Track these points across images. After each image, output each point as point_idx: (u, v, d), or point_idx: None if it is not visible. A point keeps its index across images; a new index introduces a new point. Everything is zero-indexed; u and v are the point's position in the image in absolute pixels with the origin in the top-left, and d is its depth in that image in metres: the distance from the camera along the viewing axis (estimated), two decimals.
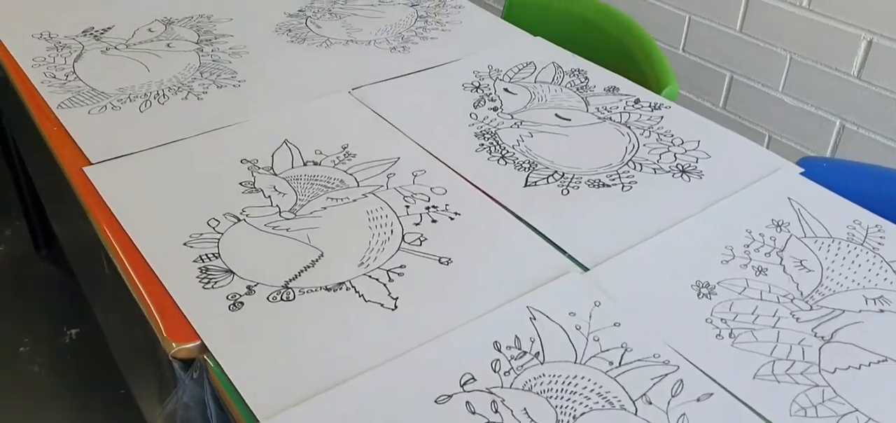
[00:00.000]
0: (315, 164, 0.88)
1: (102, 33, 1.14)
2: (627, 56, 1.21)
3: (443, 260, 0.74)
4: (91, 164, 0.86)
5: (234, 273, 0.72)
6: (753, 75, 1.72)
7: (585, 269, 0.74)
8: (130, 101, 0.98)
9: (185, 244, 0.75)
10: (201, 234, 0.77)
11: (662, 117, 0.99)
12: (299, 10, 1.25)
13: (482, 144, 0.92)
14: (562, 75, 1.08)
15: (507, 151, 0.91)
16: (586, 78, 1.07)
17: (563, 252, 0.76)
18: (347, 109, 0.99)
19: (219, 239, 0.76)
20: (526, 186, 0.85)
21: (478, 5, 1.29)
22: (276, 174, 0.86)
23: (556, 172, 0.88)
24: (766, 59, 1.69)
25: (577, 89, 1.05)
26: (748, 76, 1.72)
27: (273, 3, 1.27)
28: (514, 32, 1.20)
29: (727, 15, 1.74)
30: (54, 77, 1.03)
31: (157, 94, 1.00)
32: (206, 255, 0.74)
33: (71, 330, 1.73)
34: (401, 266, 0.73)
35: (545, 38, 1.19)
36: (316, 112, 0.98)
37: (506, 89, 1.04)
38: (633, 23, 1.23)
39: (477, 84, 1.05)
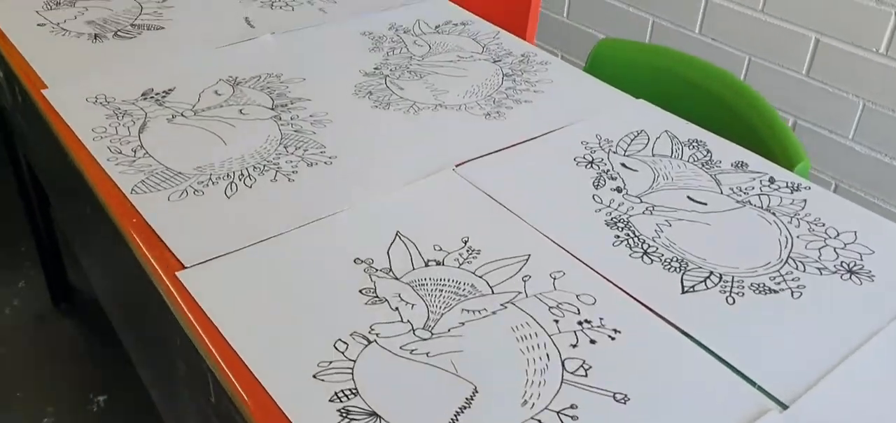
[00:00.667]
0: (437, 263, 0.77)
1: (164, 97, 1.03)
2: (734, 119, 1.11)
3: (618, 397, 0.64)
4: (185, 267, 0.75)
5: (379, 417, 0.61)
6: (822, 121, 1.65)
7: (784, 406, 0.64)
8: (213, 183, 0.87)
9: (315, 377, 0.64)
10: (330, 362, 0.66)
11: (806, 201, 0.89)
12: (375, 68, 1.14)
13: (618, 236, 0.82)
14: (680, 147, 0.98)
15: (650, 246, 0.81)
16: (708, 151, 0.98)
17: (753, 383, 0.66)
18: (456, 191, 0.88)
19: (352, 369, 0.65)
20: (684, 292, 0.75)
21: (554, 54, 1.19)
22: (397, 278, 0.75)
23: (712, 273, 0.78)
24: (836, 104, 1.61)
25: (702, 165, 0.95)
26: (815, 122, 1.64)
27: (345, 60, 1.16)
28: (613, 95, 1.11)
29: (794, 57, 1.66)
30: (121, 153, 0.91)
31: (242, 174, 0.89)
32: (343, 391, 0.63)
33: (98, 397, 1.60)
34: (571, 406, 0.63)
35: (634, 94, 1.09)
36: (423, 195, 0.87)
37: (624, 165, 0.94)
38: (739, 82, 1.14)
39: (590, 158, 0.95)
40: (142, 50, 1.14)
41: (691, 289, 0.76)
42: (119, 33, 1.19)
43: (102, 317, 1.79)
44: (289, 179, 0.89)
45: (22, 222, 1.85)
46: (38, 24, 1.20)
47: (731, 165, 0.95)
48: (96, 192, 0.86)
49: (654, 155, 0.96)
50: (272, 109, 1.02)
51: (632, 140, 0.99)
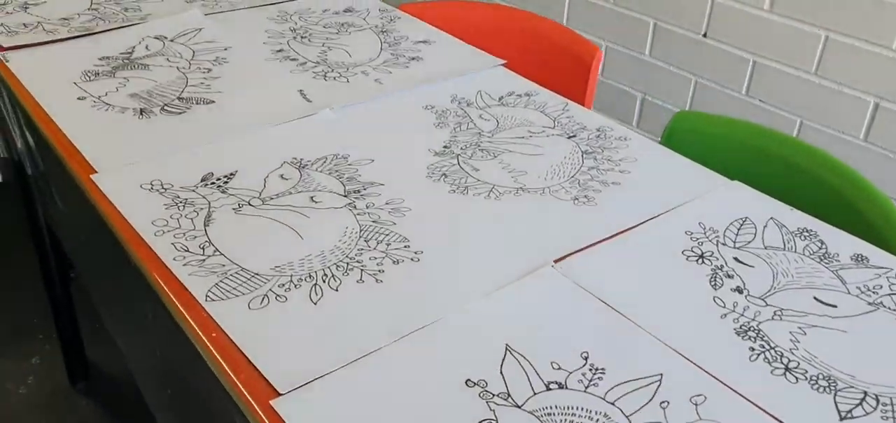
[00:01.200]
0: (559, 386, 0.69)
1: (226, 183, 0.94)
2: (834, 199, 1.04)
3: None
4: (280, 394, 0.66)
5: None
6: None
7: None
8: (295, 285, 0.78)
9: None
10: None
11: None
12: (445, 147, 1.06)
13: (753, 349, 0.74)
14: (791, 238, 0.90)
15: (790, 361, 0.73)
16: (822, 242, 0.90)
17: None
18: (561, 293, 0.80)
19: None
20: (842, 418, 0.67)
21: (624, 124, 1.12)
22: (519, 406, 0.66)
23: (867, 394, 0.70)
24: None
25: (820, 259, 0.87)
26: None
27: (411, 137, 1.08)
28: (706, 175, 1.03)
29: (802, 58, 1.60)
30: (188, 250, 0.82)
31: (324, 274, 0.80)
32: None
33: None
34: None
35: (718, 171, 1.02)
36: (525, 298, 0.79)
37: (737, 259, 0.86)
38: (833, 158, 1.07)
39: (698, 250, 0.88)
40: (194, 127, 1.06)
41: (849, 415, 0.67)
42: (167, 108, 1.10)
43: (123, 397, 1.69)
44: (376, 280, 0.80)
45: (35, 291, 1.75)
46: (79, 98, 1.12)
47: (851, 258, 0.88)
48: (164, 299, 0.78)
49: (766, 247, 0.89)
50: (344, 194, 0.94)
51: (738, 229, 0.92)
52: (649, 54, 1.95)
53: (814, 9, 1.62)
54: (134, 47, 1.28)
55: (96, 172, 0.95)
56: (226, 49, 1.29)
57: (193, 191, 0.93)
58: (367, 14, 1.48)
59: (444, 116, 1.14)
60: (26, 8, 1.40)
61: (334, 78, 1.23)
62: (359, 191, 0.95)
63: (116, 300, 1.08)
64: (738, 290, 0.82)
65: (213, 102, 1.13)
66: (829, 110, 1.65)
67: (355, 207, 0.92)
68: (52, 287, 1.66)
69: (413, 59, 1.31)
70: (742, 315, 0.78)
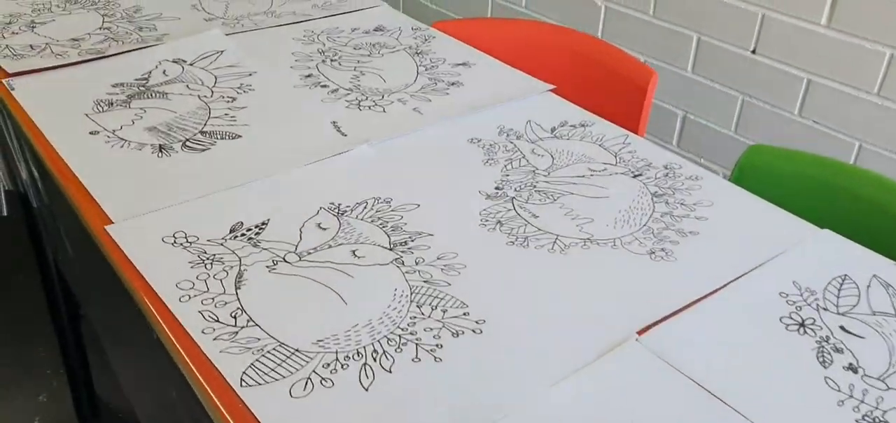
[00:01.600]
0: None
1: (258, 234, 0.84)
2: None
3: None
4: None
5: None
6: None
7: None
8: (342, 366, 0.68)
9: None
10: None
11: None
12: (497, 188, 0.95)
13: None
14: None
15: None
16: None
17: None
18: (651, 374, 0.69)
19: None
20: None
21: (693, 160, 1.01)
22: None
23: None
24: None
25: None
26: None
27: (459, 178, 0.97)
28: (792, 223, 0.92)
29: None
30: (217, 320, 0.72)
31: (375, 350, 0.70)
32: None
33: None
34: None
35: (796, 213, 0.91)
36: (609, 381, 0.68)
37: (844, 328, 0.76)
38: None
39: (798, 317, 0.77)
40: (219, 167, 0.96)
41: None
42: (189, 144, 1.00)
43: None
44: (434, 358, 0.69)
45: (40, 323, 1.65)
46: (91, 132, 1.02)
47: None
48: (192, 381, 0.67)
49: (874, 313, 0.78)
50: (390, 247, 0.83)
51: (838, 289, 0.81)
52: (692, 71, 1.84)
53: (876, 24, 1.50)
54: (150, 72, 1.18)
55: (112, 222, 0.85)
56: (250, 74, 1.19)
57: (222, 244, 0.82)
58: (399, 33, 1.38)
59: (493, 150, 1.03)
60: (33, 27, 1.30)
61: (369, 107, 1.12)
62: (405, 243, 0.84)
63: (135, 367, 0.98)
64: (852, 369, 0.71)
65: (240, 136, 1.03)
66: (893, 134, 1.54)
67: (403, 263, 0.81)
68: (59, 322, 1.56)
69: (453, 84, 1.20)
70: (863, 402, 0.67)
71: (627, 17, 1.91)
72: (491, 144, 1.05)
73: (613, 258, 0.84)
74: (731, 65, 1.76)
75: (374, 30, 1.39)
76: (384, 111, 1.11)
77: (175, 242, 0.82)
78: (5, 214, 1.29)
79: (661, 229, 0.89)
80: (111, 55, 1.22)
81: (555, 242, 0.86)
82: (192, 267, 0.79)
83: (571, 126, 1.11)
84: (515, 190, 0.95)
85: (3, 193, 1.27)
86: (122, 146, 0.99)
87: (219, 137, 1.02)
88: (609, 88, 1.31)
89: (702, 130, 1.87)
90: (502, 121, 1.11)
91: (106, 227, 0.84)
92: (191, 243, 0.82)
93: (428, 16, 2.43)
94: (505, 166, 1.00)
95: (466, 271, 0.81)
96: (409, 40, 1.35)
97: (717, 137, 1.85)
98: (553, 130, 1.09)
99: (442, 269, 0.81)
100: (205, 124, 1.05)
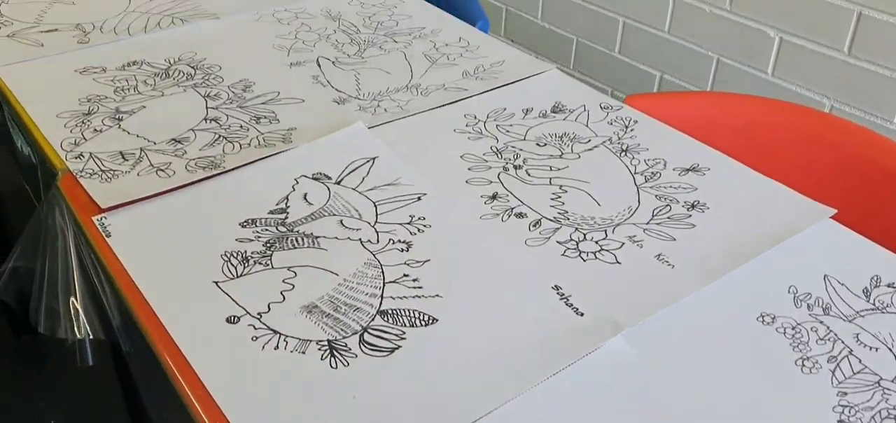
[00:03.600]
0: None
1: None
2: None
3: None
4: None
5: None
6: None
7: None
8: None
9: None
10: None
11: None
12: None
13: None
14: None
15: None
16: None
17: None
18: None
19: None
20: None
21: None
22: None
23: None
24: None
25: None
26: None
27: (777, 399, 0.66)
28: None
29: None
30: None
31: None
32: None
33: None
34: None
35: None
36: None
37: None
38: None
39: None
40: (418, 379, 0.65)
41: None
42: (368, 340, 0.69)
43: None
44: None
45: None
46: (228, 319, 0.71)
47: None
48: None
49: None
50: None
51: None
52: (772, 74, 1.55)
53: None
54: (287, 198, 0.87)
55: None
56: (419, 198, 0.88)
57: None
58: (587, 117, 1.05)
59: (803, 343, 0.71)
60: (120, 119, 1.00)
61: (594, 255, 0.80)
62: None
63: None
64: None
65: (436, 320, 0.72)
66: None
67: None
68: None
69: (692, 206, 0.88)
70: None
71: (697, 9, 1.56)
72: (795, 325, 0.73)
73: None
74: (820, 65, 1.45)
75: (552, 111, 1.07)
76: (617, 261, 0.80)
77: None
78: (90, 363, 1.00)
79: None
80: (230, 170, 0.91)
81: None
82: None
83: (888, 286, 0.78)
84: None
85: (87, 342, 0.98)
86: (275, 345, 0.69)
87: (407, 320, 0.72)
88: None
89: None
90: (791, 278, 0.78)
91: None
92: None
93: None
94: (839, 384, 0.68)
95: None
96: (604, 129, 1.03)
97: None
98: (867, 294, 0.77)
99: None
100: (381, 297, 0.74)
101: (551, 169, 0.94)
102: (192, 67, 1.13)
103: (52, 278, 0.94)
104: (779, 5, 1.55)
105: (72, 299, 0.90)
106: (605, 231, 0.84)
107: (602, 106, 1.08)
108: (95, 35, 1.22)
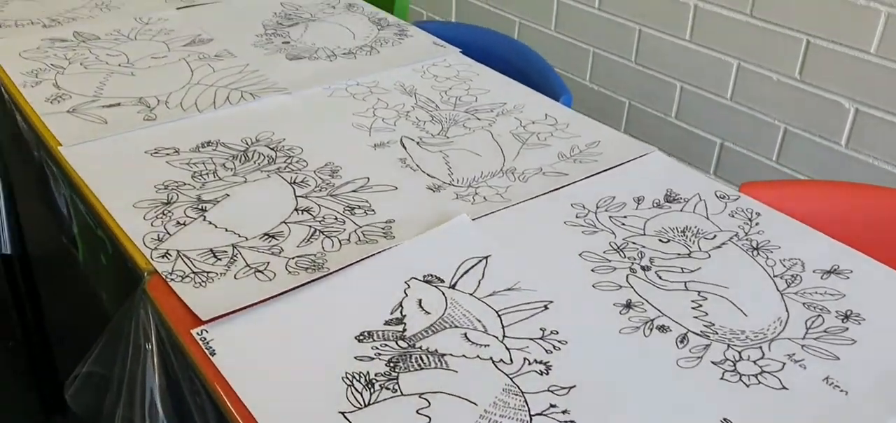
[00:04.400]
0: None
1: None
2: None
3: None
4: None
5: None
6: None
7: None
8: None
9: None
10: None
11: None
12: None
13: None
14: None
15: None
16: None
17: None
18: None
19: None
20: None
21: None
22: None
23: None
24: None
25: None
26: None
27: None
28: None
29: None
30: None
31: None
32: None
33: None
34: None
35: None
36: None
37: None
38: None
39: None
40: None
41: None
42: None
43: None
44: None
45: None
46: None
47: None
48: None
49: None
50: None
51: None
52: (799, 75, 1.53)
53: None
54: (401, 305, 0.79)
55: None
56: (546, 306, 0.80)
57: None
58: (705, 208, 0.98)
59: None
60: (204, 211, 0.92)
61: (756, 379, 0.72)
62: None
63: None
64: None
65: None
66: None
67: None
68: None
69: (846, 318, 0.80)
70: None
71: (722, 17, 1.50)
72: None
73: None
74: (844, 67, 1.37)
75: (666, 200, 0.99)
76: (783, 386, 0.71)
77: None
78: None
79: None
80: (335, 271, 0.83)
81: None
82: None
83: None
84: None
85: None
86: None
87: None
88: None
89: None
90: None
91: None
92: None
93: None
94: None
95: None
96: (725, 220, 0.95)
97: None
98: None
99: None
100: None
101: (683, 270, 0.86)
102: (272, 149, 1.06)
103: (132, 388, 0.85)
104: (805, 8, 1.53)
105: (159, 415, 0.82)
106: (761, 348, 0.75)
107: (718, 195, 1.00)
108: (161, 110, 1.14)
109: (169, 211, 0.92)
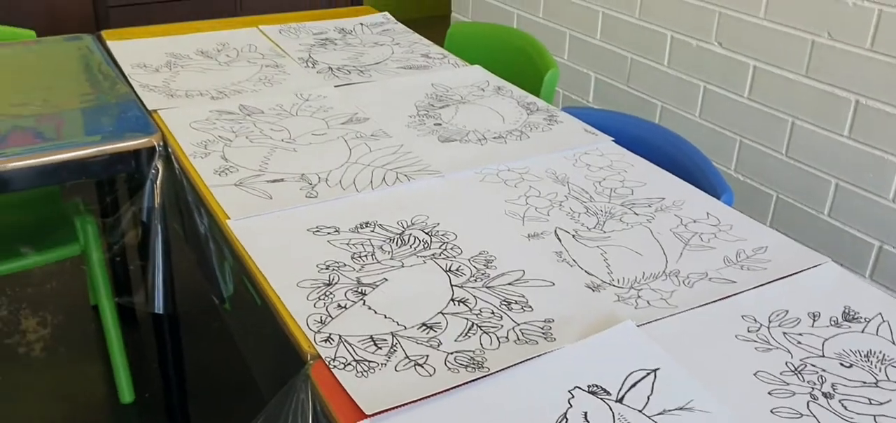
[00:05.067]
0: None
1: None
2: None
3: None
4: None
5: None
6: None
7: None
8: None
9: None
10: None
11: None
12: None
13: None
14: None
15: None
16: None
17: None
18: None
19: None
20: None
21: None
22: None
23: None
24: None
25: None
26: None
27: None
28: None
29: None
30: None
31: None
32: None
33: None
34: None
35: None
36: None
37: None
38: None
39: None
40: None
41: None
42: None
43: None
44: None
45: None
46: None
47: None
48: None
49: None
50: None
51: None
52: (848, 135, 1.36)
53: None
54: (566, 416, 0.76)
55: None
56: None
57: None
58: (889, 331, 0.90)
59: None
60: (364, 296, 0.92)
61: None
62: None
63: None
64: None
65: None
66: None
67: None
68: None
69: None
70: None
71: (781, 77, 1.34)
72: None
73: None
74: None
75: (844, 319, 0.92)
76: None
77: None
78: None
79: None
80: (493, 372, 0.81)
81: None
82: None
83: None
84: None
85: None
86: None
87: None
88: None
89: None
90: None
91: None
92: None
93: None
94: None
95: None
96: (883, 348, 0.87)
97: None
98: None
99: None
100: None
101: (870, 402, 0.79)
102: (427, 234, 1.06)
103: None
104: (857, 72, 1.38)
105: None
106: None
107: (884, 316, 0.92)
108: (322, 188, 1.17)
109: (331, 293, 0.93)
